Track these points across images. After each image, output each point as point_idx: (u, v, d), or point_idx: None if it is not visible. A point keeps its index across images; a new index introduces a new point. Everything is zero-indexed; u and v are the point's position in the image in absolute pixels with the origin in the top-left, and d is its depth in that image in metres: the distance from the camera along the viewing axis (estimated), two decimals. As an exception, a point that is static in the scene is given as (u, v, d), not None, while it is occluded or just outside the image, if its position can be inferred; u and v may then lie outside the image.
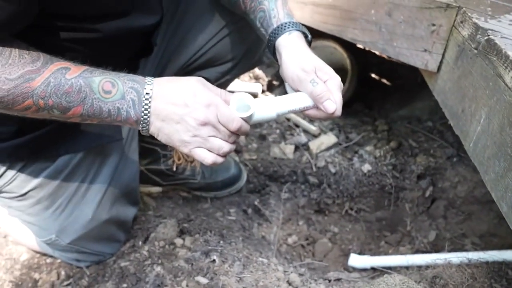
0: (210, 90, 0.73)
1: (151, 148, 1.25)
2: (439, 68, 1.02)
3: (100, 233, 1.00)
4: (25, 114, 0.68)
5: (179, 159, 1.27)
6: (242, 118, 0.72)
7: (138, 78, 0.70)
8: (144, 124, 0.70)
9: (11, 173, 0.90)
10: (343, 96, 0.80)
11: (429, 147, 1.40)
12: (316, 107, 0.77)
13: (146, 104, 0.69)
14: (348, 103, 1.64)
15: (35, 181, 0.92)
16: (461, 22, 0.92)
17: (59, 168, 0.92)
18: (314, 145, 1.41)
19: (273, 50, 0.83)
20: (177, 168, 1.26)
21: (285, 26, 0.81)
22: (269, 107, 0.76)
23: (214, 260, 0.94)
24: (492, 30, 0.81)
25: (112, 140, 0.94)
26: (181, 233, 1.07)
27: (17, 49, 0.65)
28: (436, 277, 0.89)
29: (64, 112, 0.67)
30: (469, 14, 0.89)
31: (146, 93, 0.69)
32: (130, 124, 0.71)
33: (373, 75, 1.89)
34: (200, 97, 0.70)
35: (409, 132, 1.48)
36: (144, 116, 0.69)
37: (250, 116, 0.73)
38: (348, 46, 1.53)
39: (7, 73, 0.63)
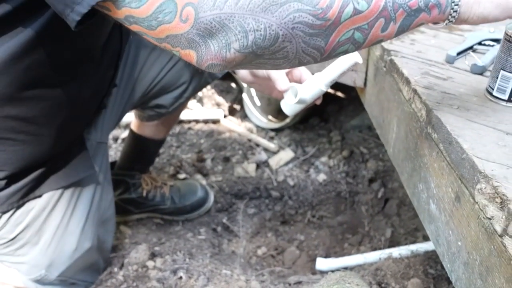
0: None
1: (121, 179, 1.36)
2: (365, 84, 1.16)
3: (84, 262, 1.09)
4: (326, 25, 0.53)
5: (147, 185, 1.38)
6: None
7: None
8: (454, 4, 0.59)
9: (1, 220, 0.98)
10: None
11: (379, 152, 1.53)
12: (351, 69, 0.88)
13: None
14: (304, 118, 1.77)
15: (23, 223, 1.00)
16: (374, 44, 1.05)
17: (43, 205, 1.01)
18: (274, 161, 1.53)
19: None
20: (147, 195, 1.37)
21: None
22: (315, 85, 0.89)
23: (181, 277, 1.04)
24: (394, 50, 0.95)
25: (87, 174, 1.04)
26: (153, 255, 1.17)
27: None
28: (378, 269, 1.01)
29: (369, 1, 0.54)
30: (378, 37, 1.02)
31: None
32: (439, 3, 0.58)
33: (329, 90, 2.03)
34: None
35: (360, 140, 1.61)
36: None
37: (302, 100, 0.89)
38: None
39: None
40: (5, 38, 0.73)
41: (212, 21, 0.50)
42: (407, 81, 0.84)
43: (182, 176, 1.56)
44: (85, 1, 0.53)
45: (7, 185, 0.95)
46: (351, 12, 0.53)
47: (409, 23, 0.58)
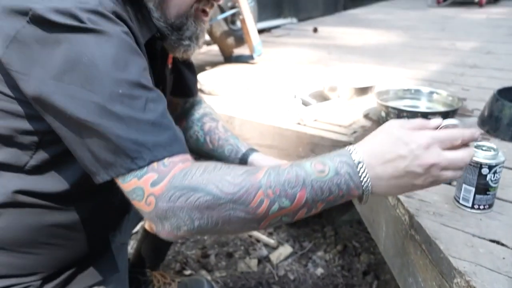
0: (411, 129, 0.72)
1: (133, 276, 1.45)
2: (355, 187, 1.34)
3: None
4: (257, 217, 0.69)
5: (157, 282, 1.48)
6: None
7: (340, 151, 0.73)
8: (367, 192, 0.71)
9: None
10: None
11: (369, 246, 1.67)
12: None
13: (363, 172, 0.70)
14: (299, 214, 1.93)
15: None
16: (361, 155, 1.26)
17: None
18: (274, 256, 1.65)
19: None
20: (157, 292, 1.46)
21: (252, 149, 1.17)
22: None
23: None
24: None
25: (111, 274, 1.15)
26: None
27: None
28: None
29: (292, 200, 0.69)
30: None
31: (359, 162, 0.70)
32: (353, 195, 0.72)
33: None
34: (411, 143, 0.70)
35: (352, 235, 1.76)
36: (366, 184, 0.70)
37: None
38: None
39: (232, 174, 0.69)
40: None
41: (167, 210, 0.70)
42: (391, 190, 1.02)
43: (187, 272, 1.65)
44: (105, 174, 0.76)
45: (41, 286, 1.05)
46: (277, 208, 0.69)
47: (329, 206, 0.73)
